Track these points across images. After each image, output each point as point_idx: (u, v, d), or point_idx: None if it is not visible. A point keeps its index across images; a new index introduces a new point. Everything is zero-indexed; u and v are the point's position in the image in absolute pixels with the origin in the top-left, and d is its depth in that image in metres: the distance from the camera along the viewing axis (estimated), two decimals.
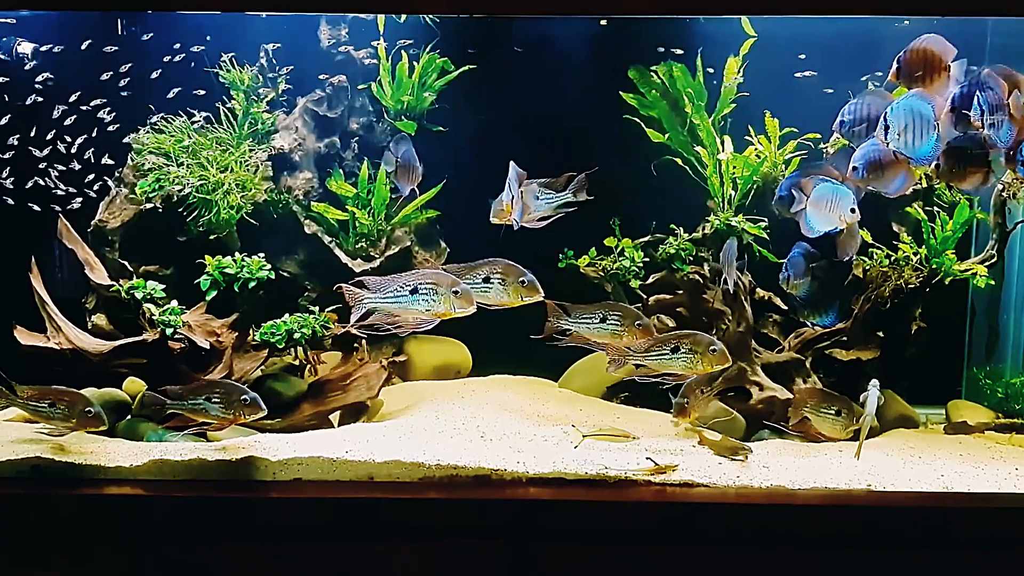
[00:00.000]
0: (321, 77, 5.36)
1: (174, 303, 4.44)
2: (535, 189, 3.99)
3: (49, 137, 4.91)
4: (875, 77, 4.91)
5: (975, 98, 3.71)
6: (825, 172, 4.18)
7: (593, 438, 4.03)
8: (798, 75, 4.92)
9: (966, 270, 4.81)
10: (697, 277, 4.89)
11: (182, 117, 5.12)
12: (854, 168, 4.03)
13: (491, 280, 3.75)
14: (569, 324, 4.02)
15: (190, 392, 3.91)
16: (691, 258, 4.98)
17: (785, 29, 4.98)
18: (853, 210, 4.05)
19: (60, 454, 3.86)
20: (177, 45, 5.01)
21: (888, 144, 3.83)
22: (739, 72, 5.14)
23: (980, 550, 3.60)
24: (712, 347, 3.90)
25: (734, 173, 5.13)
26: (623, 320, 3.97)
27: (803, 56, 4.91)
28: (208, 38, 5.08)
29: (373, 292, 3.73)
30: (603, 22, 5.12)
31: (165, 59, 4.98)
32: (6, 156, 4.89)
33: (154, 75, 4.94)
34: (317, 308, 4.74)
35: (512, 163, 3.94)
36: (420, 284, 3.70)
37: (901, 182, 4.02)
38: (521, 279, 3.75)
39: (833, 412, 4.21)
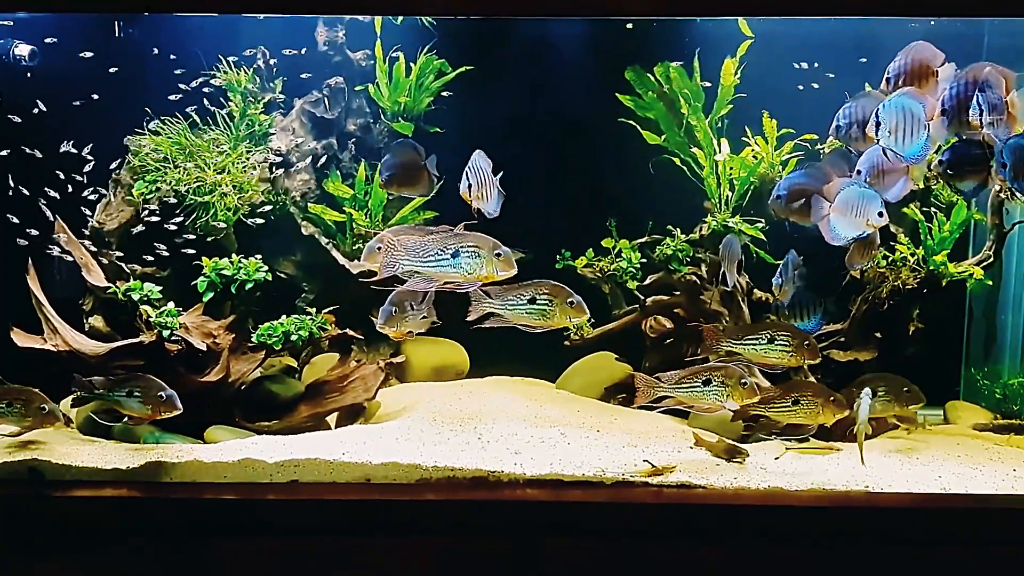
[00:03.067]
0: (303, 76, 5.34)
1: (171, 305, 4.43)
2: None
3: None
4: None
5: (975, 97, 3.71)
6: (821, 172, 4.17)
7: (797, 451, 4.02)
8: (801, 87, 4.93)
9: (963, 271, 4.81)
10: (694, 278, 4.88)
11: (179, 120, 5.12)
12: (858, 172, 4.02)
13: (537, 301, 3.70)
14: (732, 346, 4.00)
15: (115, 384, 3.94)
16: (688, 259, 4.97)
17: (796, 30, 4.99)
18: (881, 214, 3.92)
19: (56, 456, 3.86)
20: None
21: (879, 141, 3.83)
22: (736, 73, 5.15)
23: (978, 551, 3.60)
24: (743, 380, 3.84)
25: (731, 174, 5.13)
26: (791, 340, 3.96)
27: (864, 59, 4.85)
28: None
29: (411, 254, 3.63)
30: (629, 25, 5.12)
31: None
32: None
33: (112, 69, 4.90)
34: (314, 309, 4.73)
35: (480, 151, 3.90)
36: (462, 247, 3.60)
37: (901, 188, 4.02)
38: (569, 300, 3.68)
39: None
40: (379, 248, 3.84)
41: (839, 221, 3.97)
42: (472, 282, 3.62)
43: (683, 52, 5.18)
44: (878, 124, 3.79)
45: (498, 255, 3.58)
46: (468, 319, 3.75)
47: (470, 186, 3.85)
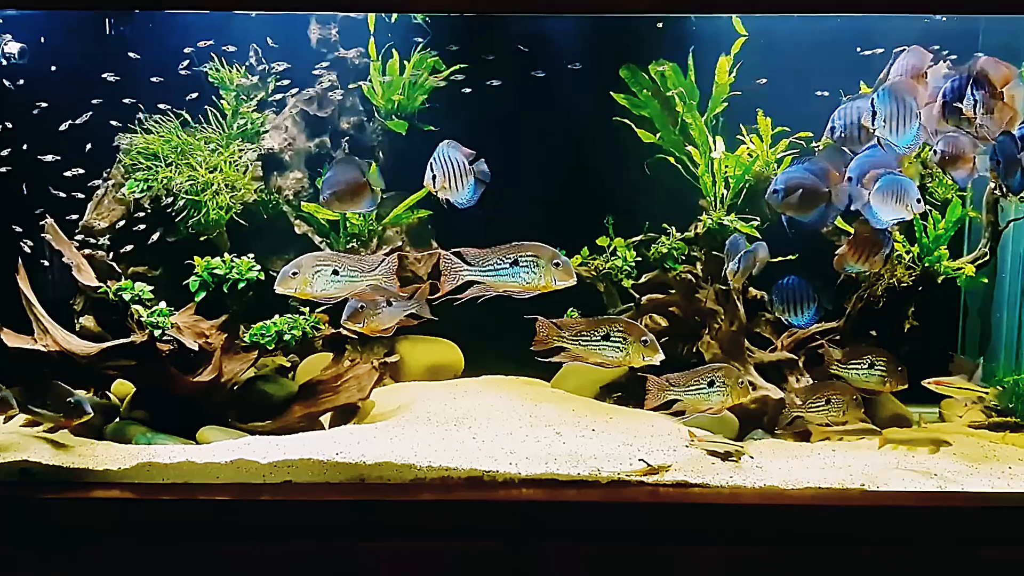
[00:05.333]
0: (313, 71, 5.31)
1: (162, 304, 4.40)
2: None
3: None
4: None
5: (969, 90, 3.72)
6: (819, 166, 4.16)
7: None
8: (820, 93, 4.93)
9: (958, 269, 4.81)
10: (689, 276, 4.87)
11: (171, 117, 5.09)
12: (849, 179, 4.03)
13: (611, 338, 3.73)
14: (842, 370, 4.19)
15: (31, 394, 3.96)
16: (683, 257, 4.96)
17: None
18: (919, 200, 4.02)
19: (48, 457, 3.83)
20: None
21: (874, 130, 3.84)
22: (731, 72, 5.14)
23: (974, 549, 3.59)
24: (740, 380, 3.95)
25: (726, 172, 5.12)
26: (888, 366, 4.16)
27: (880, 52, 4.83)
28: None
29: (472, 264, 3.67)
30: (659, 24, 5.11)
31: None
32: None
33: (110, 77, 4.88)
34: (307, 309, 4.70)
35: (450, 140, 3.86)
36: (521, 256, 3.65)
37: None
38: (643, 339, 3.73)
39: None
40: (293, 273, 3.83)
41: (880, 207, 4.03)
42: (531, 291, 3.70)
43: (696, 50, 5.16)
44: (874, 113, 3.81)
45: (557, 265, 3.64)
46: (533, 349, 3.78)
47: (434, 177, 3.82)
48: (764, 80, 5.07)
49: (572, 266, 3.69)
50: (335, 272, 3.86)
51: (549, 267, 3.65)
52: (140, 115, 5.06)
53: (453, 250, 3.73)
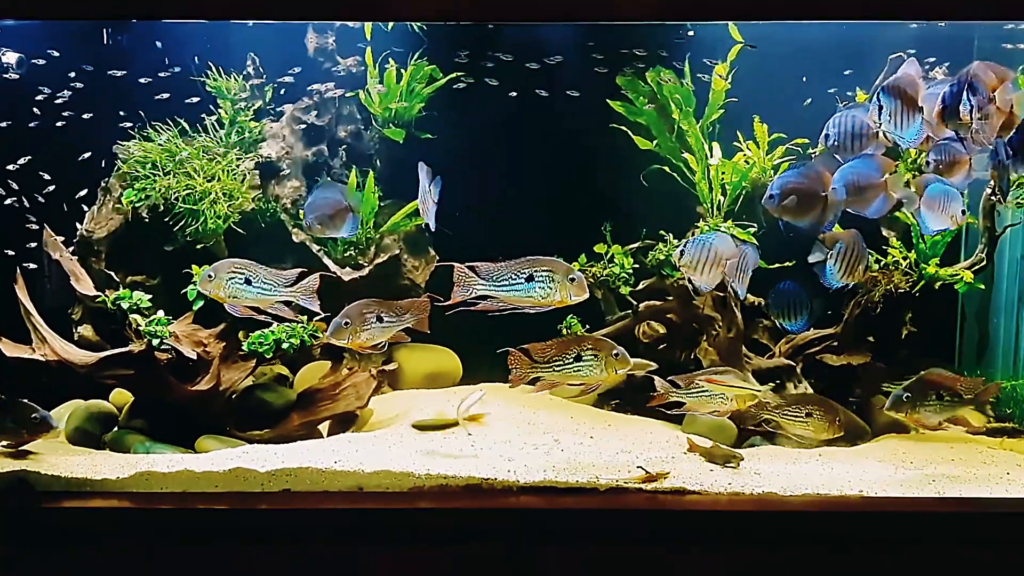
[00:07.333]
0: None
1: (160, 314, 4.40)
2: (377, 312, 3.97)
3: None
4: None
5: (964, 94, 3.73)
6: (814, 171, 4.17)
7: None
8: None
9: (954, 275, 4.82)
10: (687, 283, 4.87)
11: (170, 126, 5.09)
12: (834, 189, 4.04)
13: (583, 358, 3.75)
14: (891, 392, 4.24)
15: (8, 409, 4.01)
16: None
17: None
18: (964, 212, 4.11)
19: (46, 467, 3.82)
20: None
21: (880, 125, 3.87)
22: (727, 78, 5.14)
23: (972, 555, 3.59)
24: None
25: (723, 179, 5.12)
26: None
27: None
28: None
29: (485, 279, 3.67)
30: (690, 32, 5.12)
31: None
32: None
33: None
34: (305, 317, 4.70)
35: (419, 164, 3.86)
36: (536, 271, 3.64)
37: (880, 204, 4.04)
38: (614, 352, 3.75)
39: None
40: (209, 276, 3.83)
41: (928, 215, 4.09)
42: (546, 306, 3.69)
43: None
44: (880, 108, 3.83)
45: (572, 280, 3.63)
46: (511, 386, 3.77)
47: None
48: (804, 79, 5.09)
49: (585, 282, 3.69)
50: (247, 282, 3.85)
51: (564, 282, 3.64)
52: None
53: (468, 264, 3.72)
